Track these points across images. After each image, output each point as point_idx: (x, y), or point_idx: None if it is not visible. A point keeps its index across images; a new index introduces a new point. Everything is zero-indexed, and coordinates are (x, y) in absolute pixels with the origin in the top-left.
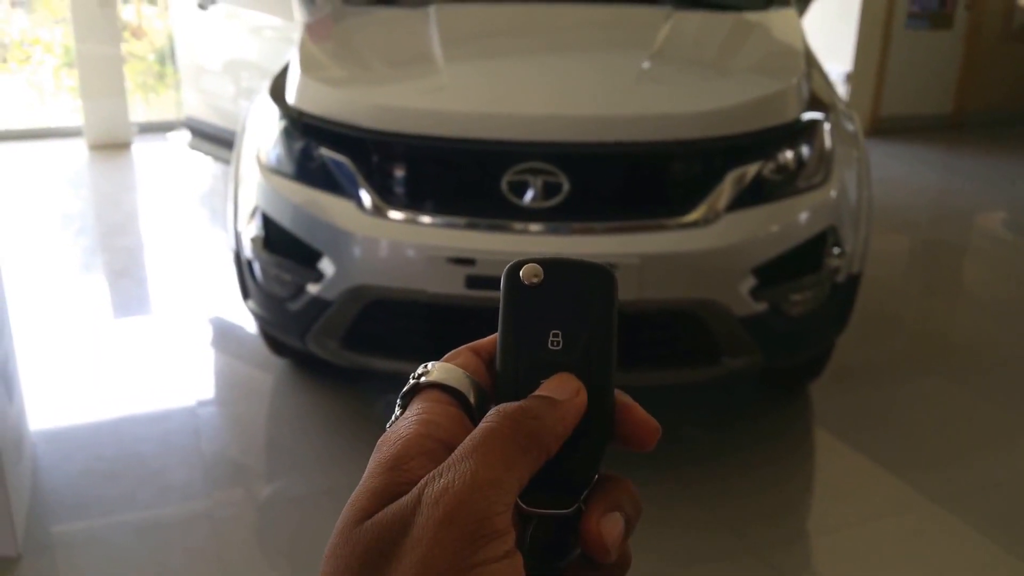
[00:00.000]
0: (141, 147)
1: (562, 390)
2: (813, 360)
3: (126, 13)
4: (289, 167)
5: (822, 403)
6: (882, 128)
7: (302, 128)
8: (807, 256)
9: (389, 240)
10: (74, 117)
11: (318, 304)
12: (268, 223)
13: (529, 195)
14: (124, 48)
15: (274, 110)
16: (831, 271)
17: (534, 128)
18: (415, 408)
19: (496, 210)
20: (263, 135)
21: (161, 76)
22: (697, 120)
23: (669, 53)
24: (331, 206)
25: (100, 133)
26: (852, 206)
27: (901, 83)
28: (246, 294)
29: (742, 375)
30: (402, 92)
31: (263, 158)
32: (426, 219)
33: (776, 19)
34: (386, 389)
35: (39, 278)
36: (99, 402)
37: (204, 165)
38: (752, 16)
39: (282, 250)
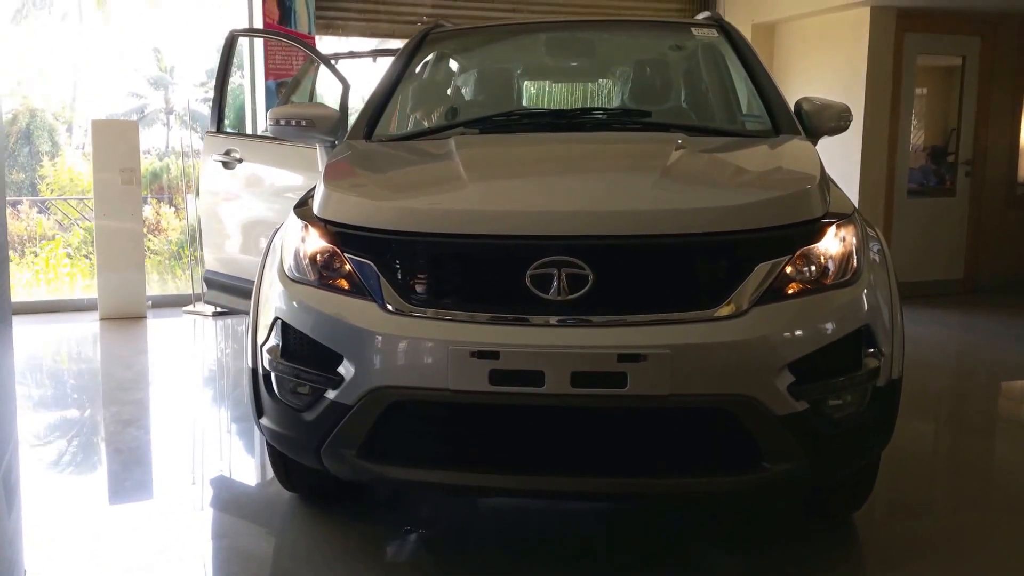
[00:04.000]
0: (154, 322)
1: None
2: (857, 482)
3: (144, 212)
4: (312, 275)
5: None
6: None
7: (327, 236)
8: (844, 354)
9: (411, 337)
10: (87, 292)
11: (336, 410)
12: (287, 331)
13: (553, 288)
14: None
15: (299, 223)
16: (871, 372)
17: (560, 223)
18: None
19: (520, 304)
20: (287, 248)
21: (178, 256)
22: (723, 214)
23: (683, 168)
24: (353, 308)
25: (114, 305)
26: (884, 310)
27: (909, 249)
28: (260, 412)
29: (786, 485)
30: (426, 198)
31: (286, 270)
32: (449, 315)
33: (789, 143)
34: (395, 531)
35: (44, 435)
36: (102, 543)
37: (216, 336)
38: (765, 140)
39: (300, 358)
